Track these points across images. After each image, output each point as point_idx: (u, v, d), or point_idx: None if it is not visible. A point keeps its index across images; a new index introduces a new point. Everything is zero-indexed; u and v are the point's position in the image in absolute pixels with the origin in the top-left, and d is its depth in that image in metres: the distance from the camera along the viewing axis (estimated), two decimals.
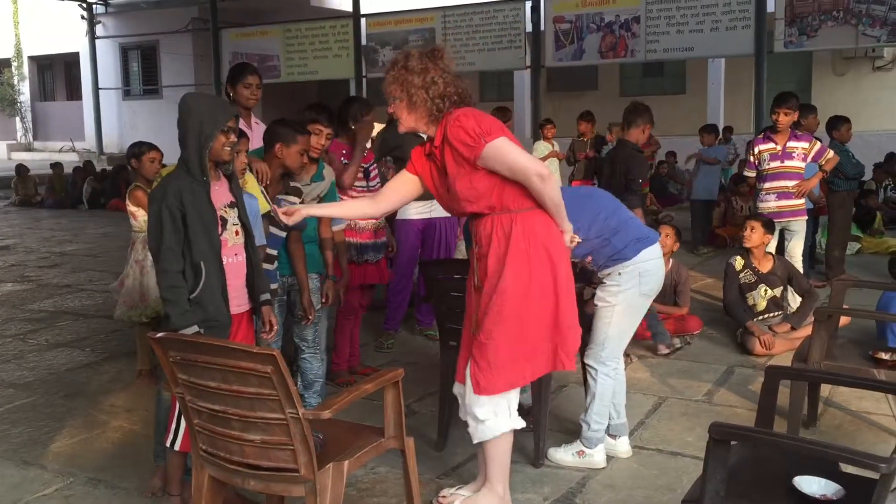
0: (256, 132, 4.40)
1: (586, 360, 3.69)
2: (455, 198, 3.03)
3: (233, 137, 3.03)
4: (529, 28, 12.87)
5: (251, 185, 3.64)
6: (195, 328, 2.95)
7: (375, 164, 5.00)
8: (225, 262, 3.08)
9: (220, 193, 3.11)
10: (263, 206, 3.67)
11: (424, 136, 5.59)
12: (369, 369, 4.84)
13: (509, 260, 2.97)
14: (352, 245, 4.75)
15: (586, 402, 3.71)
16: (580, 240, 3.26)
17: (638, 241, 3.57)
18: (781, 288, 5.68)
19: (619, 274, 3.56)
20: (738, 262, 5.64)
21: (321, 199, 4.14)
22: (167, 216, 2.93)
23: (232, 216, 3.14)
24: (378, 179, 4.99)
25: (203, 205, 2.99)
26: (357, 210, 3.53)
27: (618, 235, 3.56)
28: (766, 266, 5.62)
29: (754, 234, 5.54)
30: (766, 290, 5.61)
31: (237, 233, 3.16)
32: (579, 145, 9.36)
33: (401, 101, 3.04)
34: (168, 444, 3.16)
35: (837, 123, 7.45)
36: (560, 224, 3.07)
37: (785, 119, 5.90)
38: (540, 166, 2.96)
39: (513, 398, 3.13)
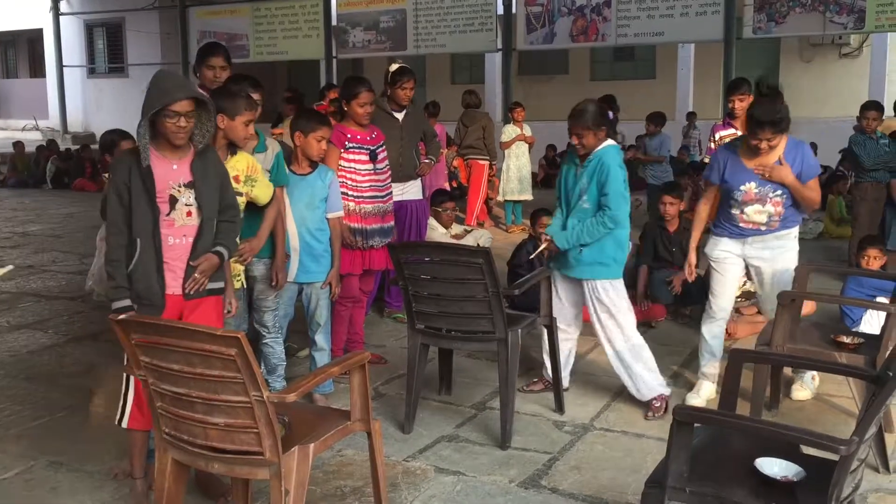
0: None
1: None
2: None
3: (181, 122, 2.95)
4: (501, 10, 12.81)
5: (241, 165, 3.63)
6: (127, 302, 2.98)
7: (385, 146, 4.84)
8: (171, 242, 3.04)
9: (176, 172, 3.05)
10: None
11: (400, 117, 5.62)
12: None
13: None
14: (357, 231, 4.59)
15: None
16: None
17: None
18: None
19: (794, 237, 4.15)
20: None
21: (268, 173, 3.93)
22: (114, 191, 2.99)
23: (186, 196, 3.06)
24: (387, 161, 4.86)
25: (146, 182, 2.99)
26: None
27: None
28: None
29: None
30: (745, 282, 5.66)
31: (189, 213, 3.07)
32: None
33: None
34: (117, 422, 3.13)
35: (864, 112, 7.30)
36: None
37: (740, 105, 5.95)
38: None
39: None
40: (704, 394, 4.29)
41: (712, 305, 4.28)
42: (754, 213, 4.05)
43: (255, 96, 3.94)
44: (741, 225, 4.10)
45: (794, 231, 4.16)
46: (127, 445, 3.27)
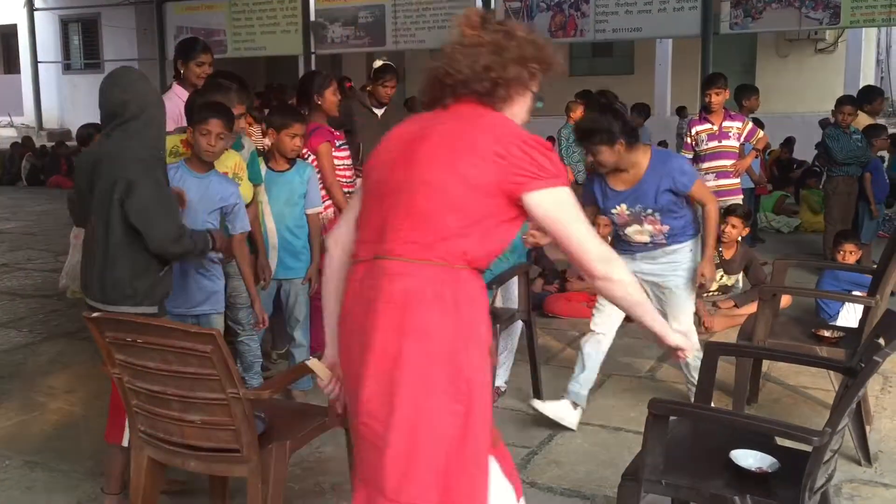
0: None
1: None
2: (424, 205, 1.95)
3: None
4: (480, 6, 12.80)
5: (229, 163, 3.63)
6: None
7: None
8: None
9: None
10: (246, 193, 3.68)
11: (379, 113, 5.61)
12: None
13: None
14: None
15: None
16: None
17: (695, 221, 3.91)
18: (736, 276, 5.80)
19: (690, 250, 3.86)
20: None
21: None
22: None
23: None
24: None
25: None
26: None
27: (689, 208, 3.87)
28: (729, 252, 5.71)
29: (734, 231, 5.61)
30: (721, 276, 5.71)
31: None
32: None
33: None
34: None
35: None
36: None
37: (717, 99, 6.00)
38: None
39: None
40: (560, 412, 3.86)
41: (595, 318, 3.96)
42: (635, 234, 3.86)
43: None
44: (630, 243, 3.90)
45: (686, 246, 3.85)
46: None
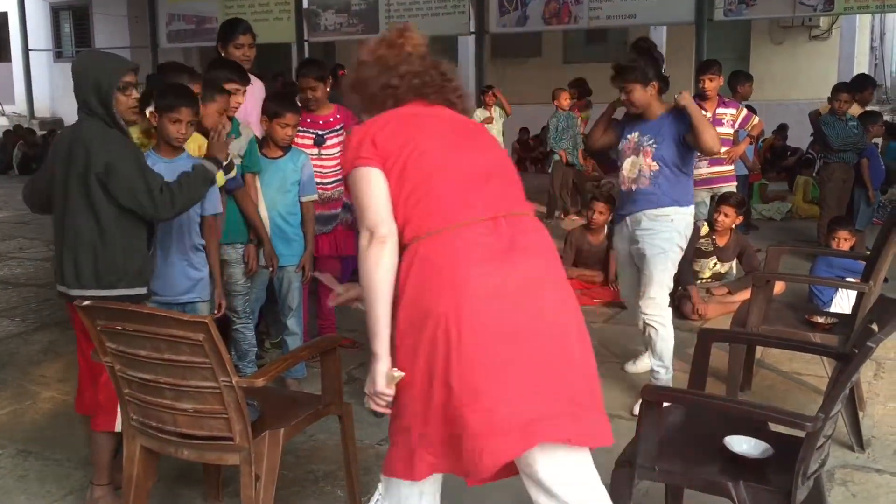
0: (250, 91, 4.16)
1: (652, 311, 3.99)
2: None
3: (134, 94, 2.93)
4: None
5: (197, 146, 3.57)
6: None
7: (343, 131, 4.62)
8: None
9: None
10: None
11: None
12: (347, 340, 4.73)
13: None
14: None
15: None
16: None
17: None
18: (730, 263, 5.80)
19: (672, 220, 3.91)
20: (704, 228, 5.70)
21: (241, 159, 3.93)
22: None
23: None
24: (339, 148, 4.60)
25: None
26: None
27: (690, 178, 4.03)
28: (723, 240, 5.71)
29: (728, 220, 5.61)
30: (714, 263, 5.71)
31: None
32: None
33: None
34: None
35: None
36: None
37: (711, 85, 5.98)
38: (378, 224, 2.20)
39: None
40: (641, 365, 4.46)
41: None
42: (628, 169, 3.99)
43: (243, 87, 3.96)
44: (622, 189, 4.05)
45: (668, 214, 3.91)
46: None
